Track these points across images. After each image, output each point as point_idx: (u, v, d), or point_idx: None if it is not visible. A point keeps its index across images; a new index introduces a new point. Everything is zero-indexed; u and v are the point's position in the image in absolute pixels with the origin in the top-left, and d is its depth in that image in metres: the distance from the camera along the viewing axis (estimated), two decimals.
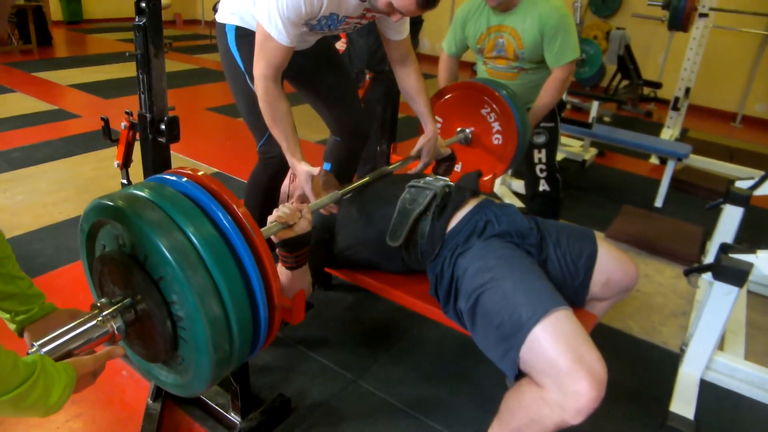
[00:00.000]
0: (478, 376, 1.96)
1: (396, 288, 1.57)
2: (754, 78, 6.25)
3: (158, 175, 1.15)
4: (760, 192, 2.37)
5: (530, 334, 1.20)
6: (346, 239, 1.60)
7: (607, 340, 2.23)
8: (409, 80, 1.85)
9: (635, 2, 6.79)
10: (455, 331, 1.46)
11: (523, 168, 2.67)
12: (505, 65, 2.37)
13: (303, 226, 1.32)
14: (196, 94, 5.93)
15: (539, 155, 2.51)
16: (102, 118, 1.66)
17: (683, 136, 5.22)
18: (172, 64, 6.94)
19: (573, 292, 1.50)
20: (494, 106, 2.09)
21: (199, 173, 1.11)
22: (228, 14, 1.75)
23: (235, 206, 1.05)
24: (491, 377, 1.92)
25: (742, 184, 2.38)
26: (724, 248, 1.90)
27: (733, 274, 1.79)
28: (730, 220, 2.31)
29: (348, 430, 1.72)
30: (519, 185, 3.63)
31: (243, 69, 1.72)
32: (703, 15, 4.52)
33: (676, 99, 4.80)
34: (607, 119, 5.67)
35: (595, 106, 4.34)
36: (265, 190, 1.96)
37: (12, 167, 3.53)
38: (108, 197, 1.03)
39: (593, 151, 4.50)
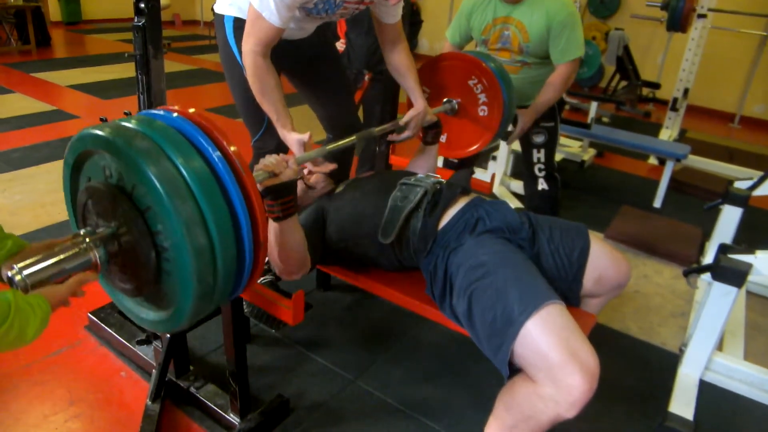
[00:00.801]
0: (478, 376, 1.96)
1: (394, 288, 1.57)
2: (752, 79, 6.26)
3: (147, 111, 1.13)
4: (758, 192, 2.37)
5: (522, 329, 1.20)
6: (338, 236, 1.60)
7: (606, 340, 2.23)
8: (399, 57, 1.87)
9: (634, 3, 6.80)
10: (454, 331, 1.46)
11: (521, 167, 2.66)
12: (509, 58, 2.37)
13: (288, 174, 1.32)
14: (195, 95, 5.92)
15: (538, 155, 2.51)
16: (101, 119, 1.66)
17: (682, 137, 5.22)
18: (171, 65, 6.93)
19: (567, 287, 1.51)
20: (482, 77, 2.09)
21: (190, 110, 1.09)
22: (226, 5, 1.74)
23: (225, 143, 1.04)
24: (491, 377, 1.92)
25: (741, 185, 2.38)
26: (723, 249, 1.90)
27: (732, 274, 1.79)
28: (729, 220, 2.31)
29: (347, 431, 1.72)
30: (517, 185, 3.64)
31: (240, 63, 1.70)
32: (702, 16, 4.53)
33: (675, 100, 4.80)
34: (605, 120, 5.68)
35: (593, 107, 4.34)
36: None
37: (11, 167, 3.52)
38: (96, 127, 1.02)
39: (592, 151, 4.50)
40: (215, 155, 1.02)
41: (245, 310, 1.79)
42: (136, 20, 1.49)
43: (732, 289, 1.82)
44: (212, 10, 1.83)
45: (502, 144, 3.72)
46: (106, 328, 2.01)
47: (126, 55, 1.56)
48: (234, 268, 1.05)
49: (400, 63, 1.88)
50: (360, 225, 1.57)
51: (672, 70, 5.66)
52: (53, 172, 3.49)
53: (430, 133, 1.97)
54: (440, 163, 2.96)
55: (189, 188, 0.96)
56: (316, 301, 2.32)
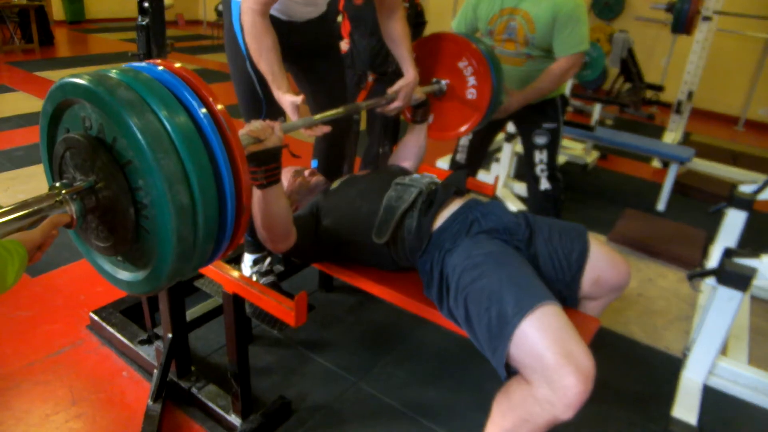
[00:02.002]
0: (480, 378, 1.95)
1: (396, 290, 1.56)
2: (757, 82, 6.24)
3: (131, 64, 1.07)
4: (763, 196, 2.35)
5: (517, 330, 1.19)
6: (334, 235, 1.59)
7: (609, 344, 2.22)
8: (395, 26, 1.85)
9: (638, 5, 6.79)
10: (456, 333, 1.45)
11: (524, 168, 2.65)
12: (513, 50, 2.35)
13: (274, 141, 1.31)
14: None
15: (540, 156, 2.49)
16: None
17: (686, 140, 5.21)
18: None
19: (565, 288, 1.50)
20: (472, 59, 2.08)
21: (176, 65, 1.05)
22: None
23: (211, 99, 1.01)
24: (493, 380, 1.90)
25: (746, 188, 2.37)
26: (728, 253, 1.89)
27: (737, 279, 1.78)
28: (733, 224, 2.30)
29: None
30: (521, 188, 3.63)
31: (244, 51, 1.68)
32: (707, 18, 4.52)
33: (679, 102, 4.79)
34: (609, 122, 5.66)
35: (597, 109, 4.33)
36: None
37: (14, 166, 3.53)
38: (77, 76, 0.97)
39: (595, 154, 4.49)
40: (201, 112, 0.98)
41: (247, 311, 1.78)
42: (139, 20, 1.49)
43: (737, 294, 1.81)
44: (216, 11, 1.82)
45: (506, 146, 3.71)
46: (108, 327, 2.00)
47: (129, 54, 1.56)
48: (215, 231, 1.02)
49: (394, 31, 1.86)
50: (355, 225, 1.56)
51: (676, 72, 5.65)
52: None
53: (418, 111, 1.96)
54: (446, 165, 2.96)
55: (173, 143, 0.92)
56: (319, 303, 2.31)
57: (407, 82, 1.81)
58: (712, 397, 1.97)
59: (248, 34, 1.55)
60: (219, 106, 1.01)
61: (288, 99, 1.53)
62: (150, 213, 0.96)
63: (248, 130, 1.27)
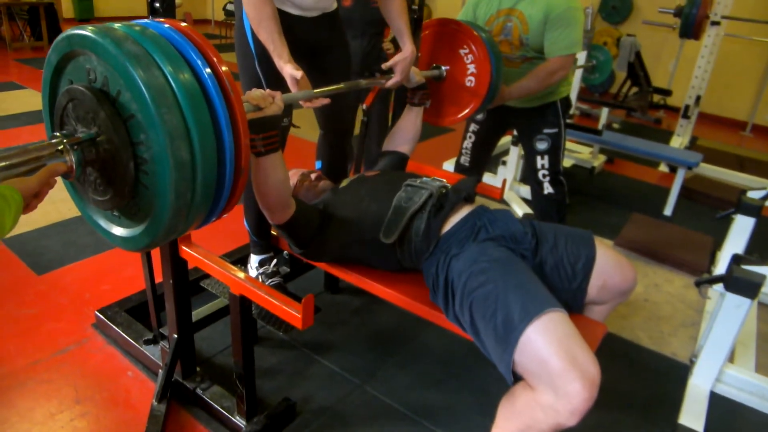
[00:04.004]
0: (485, 382, 1.94)
1: (401, 292, 1.56)
2: (765, 87, 6.21)
3: (139, 20, 1.09)
4: None
5: (523, 336, 1.18)
6: (340, 232, 1.59)
7: (616, 350, 2.21)
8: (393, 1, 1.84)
9: (646, 9, 6.77)
10: (461, 336, 1.45)
11: (526, 173, 2.63)
12: (510, 52, 2.34)
13: (273, 109, 1.31)
14: None
15: (542, 161, 2.48)
16: None
17: (693, 145, 5.19)
18: None
19: (571, 296, 1.49)
20: (473, 47, 2.08)
21: (183, 24, 1.07)
22: None
23: (216, 60, 1.02)
24: (498, 384, 1.89)
25: (754, 194, 2.35)
26: (736, 259, 1.87)
27: (746, 285, 1.77)
28: (741, 230, 2.28)
29: None
30: (527, 191, 3.61)
31: (253, 50, 1.68)
32: (715, 23, 4.50)
33: (687, 107, 4.77)
34: (616, 126, 5.65)
35: (604, 113, 4.31)
36: None
37: None
38: (84, 27, 0.98)
39: (602, 158, 4.48)
40: (206, 71, 0.99)
41: (253, 312, 1.78)
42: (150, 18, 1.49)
43: (745, 301, 1.80)
44: (224, 10, 1.81)
45: (512, 149, 3.70)
46: (113, 326, 2.00)
47: None
48: (213, 189, 1.03)
49: (392, 4, 1.84)
50: (362, 223, 1.56)
51: (683, 76, 5.63)
52: None
53: (417, 94, 1.97)
54: (451, 167, 2.96)
55: (176, 99, 0.93)
56: (324, 304, 2.31)
57: (404, 57, 1.80)
58: (719, 405, 1.95)
59: (247, 3, 1.53)
60: (223, 68, 1.02)
61: (289, 70, 1.51)
62: (149, 168, 0.96)
63: (248, 96, 1.28)
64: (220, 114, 0.99)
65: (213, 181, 1.02)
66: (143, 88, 0.90)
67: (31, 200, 0.93)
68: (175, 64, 0.96)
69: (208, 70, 1.00)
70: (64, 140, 0.99)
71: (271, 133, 1.34)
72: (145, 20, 1.07)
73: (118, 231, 1.12)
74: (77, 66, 1.03)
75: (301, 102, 1.53)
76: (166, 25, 1.04)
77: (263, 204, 1.47)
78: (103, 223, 1.15)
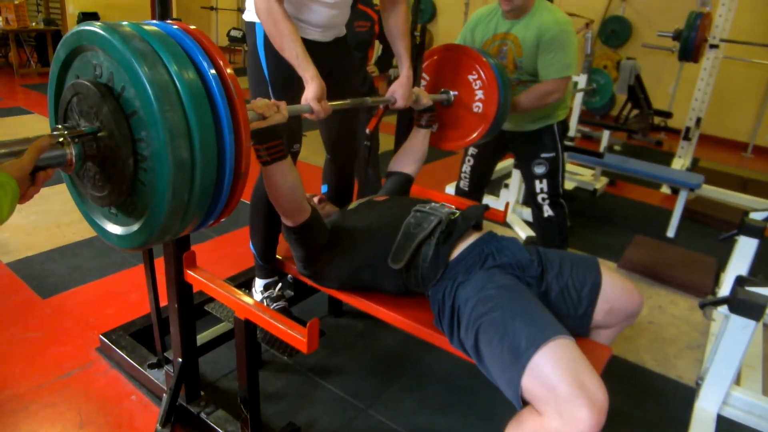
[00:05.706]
0: (490, 405, 1.93)
1: (405, 316, 1.56)
2: (765, 108, 6.25)
3: (146, 21, 1.11)
4: None
5: (530, 362, 1.19)
6: (347, 255, 1.60)
7: (621, 372, 2.20)
8: (396, 19, 1.86)
9: (645, 33, 6.85)
10: (467, 360, 1.45)
11: (527, 196, 2.64)
12: None
13: (277, 119, 1.32)
14: None
15: (540, 185, 2.49)
16: None
17: (694, 166, 5.21)
18: None
19: (577, 322, 1.49)
20: (482, 73, 2.10)
21: (191, 27, 1.08)
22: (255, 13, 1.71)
23: (222, 63, 1.03)
24: (504, 407, 1.88)
25: (757, 215, 2.36)
26: (740, 281, 1.87)
27: (751, 307, 1.77)
28: (744, 251, 2.29)
29: None
30: (529, 213, 3.62)
31: (267, 77, 1.68)
32: (714, 46, 4.55)
33: (687, 129, 4.80)
34: (617, 148, 5.68)
35: (605, 135, 4.34)
36: (269, 205, 1.70)
37: None
38: (92, 23, 1.00)
39: (604, 180, 4.49)
40: (210, 72, 1.00)
41: (258, 336, 1.78)
42: None
43: (750, 323, 1.80)
44: (243, 18, 1.83)
45: (515, 172, 3.72)
46: (118, 350, 2.00)
47: None
48: (211, 191, 1.03)
49: (395, 26, 1.87)
50: (370, 247, 1.57)
51: (683, 98, 5.67)
52: (68, 194, 3.52)
53: (425, 116, 2.00)
54: (452, 191, 2.97)
55: (179, 98, 0.94)
56: (328, 328, 2.31)
57: (401, 83, 1.84)
58: (726, 428, 1.94)
59: (266, 20, 1.54)
60: (228, 70, 1.03)
61: (313, 89, 1.51)
62: (149, 165, 0.97)
63: (253, 105, 1.29)
64: (223, 116, 1.01)
65: (211, 182, 1.02)
66: (147, 85, 0.92)
67: (27, 186, 0.94)
68: (181, 64, 0.97)
69: (213, 71, 1.01)
70: (65, 132, 1.00)
71: (276, 142, 1.35)
72: (157, 22, 1.09)
73: (115, 229, 1.13)
74: (84, 61, 1.05)
75: (306, 115, 1.55)
76: (175, 27, 1.06)
77: (278, 208, 1.50)
78: (100, 220, 1.16)
